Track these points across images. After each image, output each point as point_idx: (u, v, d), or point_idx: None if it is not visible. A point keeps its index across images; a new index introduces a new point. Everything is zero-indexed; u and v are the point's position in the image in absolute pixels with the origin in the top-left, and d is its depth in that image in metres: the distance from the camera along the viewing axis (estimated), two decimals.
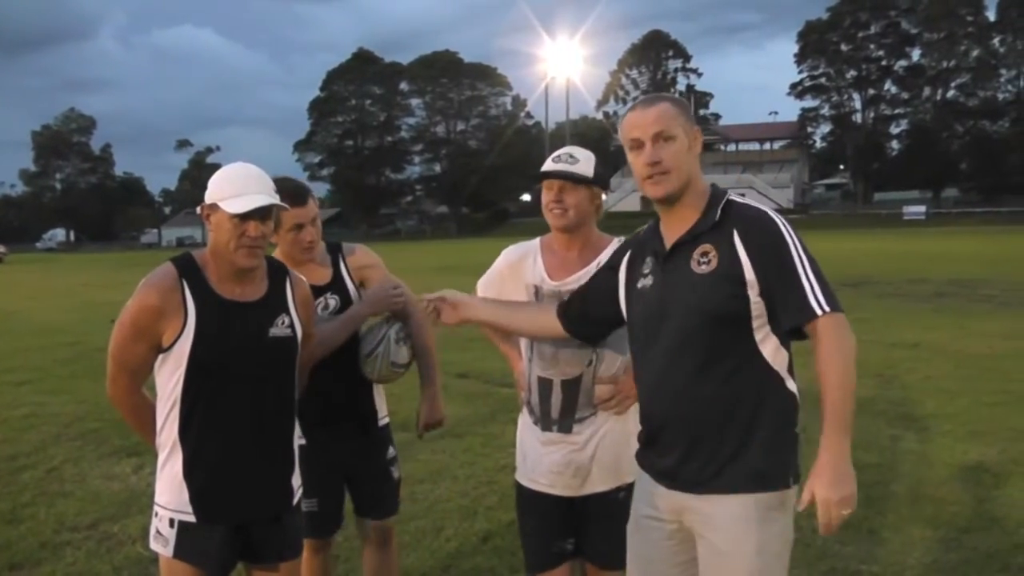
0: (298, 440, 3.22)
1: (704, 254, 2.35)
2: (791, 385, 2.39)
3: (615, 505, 2.92)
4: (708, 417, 2.34)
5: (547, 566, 3.17)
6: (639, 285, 2.52)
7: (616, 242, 3.03)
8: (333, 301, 3.35)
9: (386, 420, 3.56)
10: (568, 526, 3.13)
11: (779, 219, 2.35)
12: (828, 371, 2.20)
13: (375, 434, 3.51)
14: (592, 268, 2.95)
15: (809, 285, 2.24)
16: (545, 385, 3.05)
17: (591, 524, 3.06)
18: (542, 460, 3.07)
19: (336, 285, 3.38)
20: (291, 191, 3.11)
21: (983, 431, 6.82)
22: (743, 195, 2.51)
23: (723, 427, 2.33)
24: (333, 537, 3.59)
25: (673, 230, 2.44)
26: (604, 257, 2.98)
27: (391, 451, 3.54)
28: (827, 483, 2.16)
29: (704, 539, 2.39)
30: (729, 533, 2.33)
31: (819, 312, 2.21)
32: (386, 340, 3.31)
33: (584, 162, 2.99)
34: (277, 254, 3.28)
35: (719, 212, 2.38)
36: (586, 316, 2.73)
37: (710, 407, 2.34)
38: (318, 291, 3.30)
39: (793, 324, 2.26)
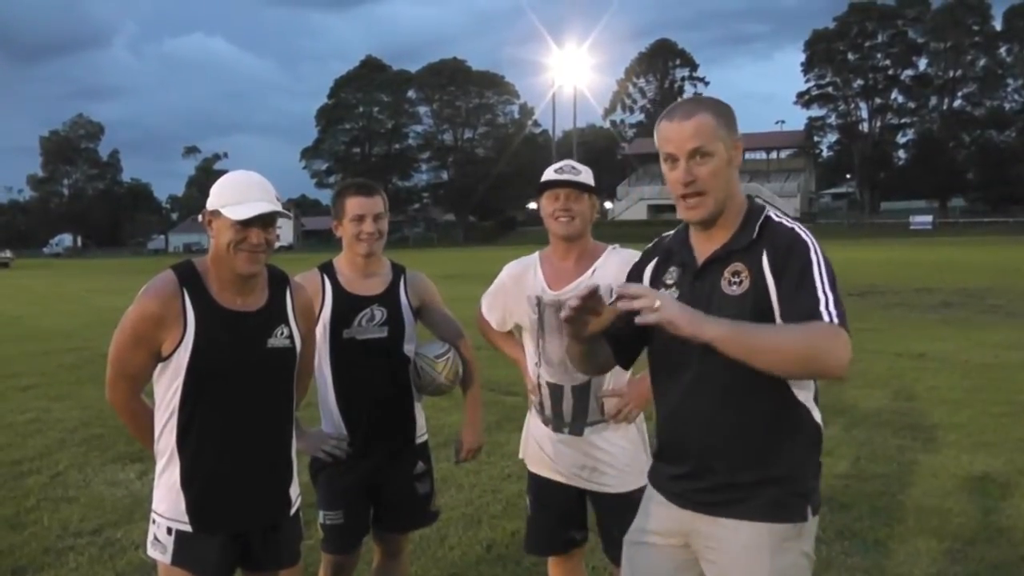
0: (341, 451, 3.32)
1: (736, 273, 2.24)
2: (817, 416, 2.31)
3: (634, 505, 2.92)
4: (727, 442, 2.26)
5: (557, 551, 3.40)
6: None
7: (610, 249, 3.19)
8: (379, 313, 3.36)
9: (424, 437, 3.56)
10: (578, 518, 3.33)
11: (810, 240, 2.25)
12: (792, 326, 2.08)
13: (408, 450, 3.49)
14: (588, 275, 3.11)
15: (824, 298, 2.12)
16: (556, 391, 3.19)
17: (609, 522, 3.15)
18: (562, 454, 3.22)
19: (387, 299, 3.40)
20: (360, 183, 3.42)
21: (990, 442, 6.80)
22: (784, 214, 2.39)
23: (744, 453, 2.25)
24: (354, 556, 3.52)
25: (706, 244, 2.34)
26: (599, 264, 3.14)
27: (420, 466, 3.52)
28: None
29: (712, 564, 2.31)
30: (739, 561, 2.25)
31: (825, 319, 2.08)
32: (453, 352, 3.39)
33: (585, 173, 3.18)
34: (339, 259, 3.44)
35: (756, 230, 2.28)
36: (619, 338, 2.51)
37: (731, 433, 2.25)
38: (367, 300, 3.36)
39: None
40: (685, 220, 2.35)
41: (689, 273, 2.35)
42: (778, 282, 2.20)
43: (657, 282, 2.44)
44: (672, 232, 2.53)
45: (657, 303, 1.99)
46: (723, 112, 2.30)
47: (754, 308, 2.20)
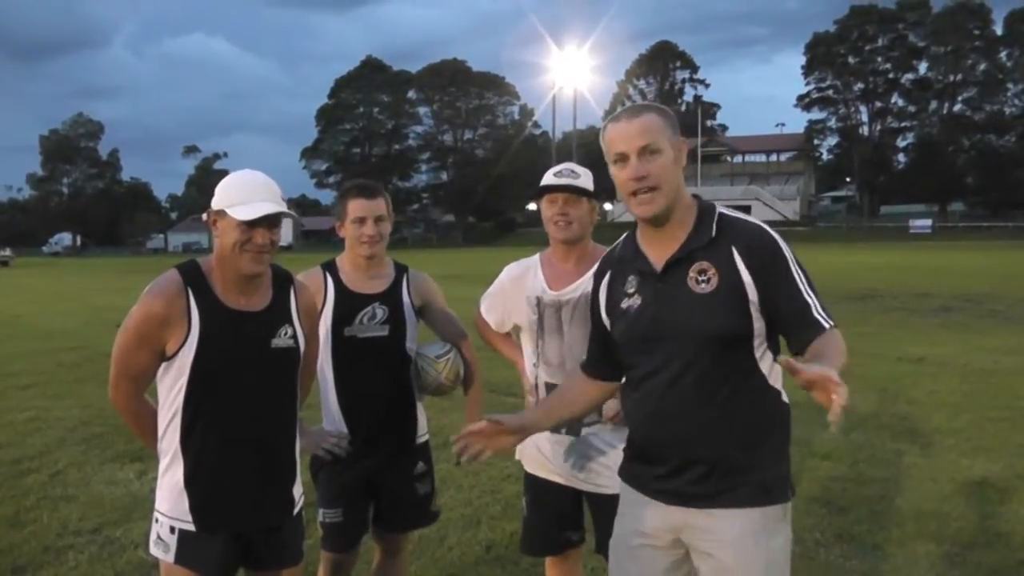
0: (341, 449, 3.29)
1: (702, 272, 2.28)
2: (785, 397, 2.38)
3: None
4: (711, 436, 2.29)
5: (554, 551, 3.41)
6: (624, 305, 2.42)
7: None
8: (381, 311, 3.37)
9: (425, 438, 3.56)
10: (574, 518, 3.33)
11: (775, 233, 2.32)
12: (832, 350, 2.06)
13: (408, 449, 3.50)
14: (588, 277, 3.05)
15: (811, 301, 2.22)
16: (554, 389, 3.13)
17: (606, 522, 3.13)
18: (559, 455, 3.23)
19: (389, 297, 3.40)
20: (363, 184, 3.44)
21: (988, 446, 6.80)
22: (738, 208, 2.43)
23: (726, 444, 2.29)
24: (353, 554, 3.53)
25: (661, 247, 2.36)
26: None
27: (420, 466, 3.53)
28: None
29: (708, 556, 2.33)
30: (736, 548, 2.29)
31: (826, 327, 2.17)
32: (455, 352, 3.39)
33: (584, 177, 3.16)
34: (342, 258, 3.45)
35: (715, 228, 2.31)
36: (615, 360, 2.55)
37: (713, 426, 2.29)
38: (368, 299, 3.36)
39: (803, 344, 2.16)
40: (639, 216, 2.36)
41: (650, 278, 2.37)
42: (757, 278, 2.24)
43: (617, 294, 2.46)
44: (619, 243, 2.55)
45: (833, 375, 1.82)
46: (667, 114, 2.37)
47: (729, 305, 2.25)
